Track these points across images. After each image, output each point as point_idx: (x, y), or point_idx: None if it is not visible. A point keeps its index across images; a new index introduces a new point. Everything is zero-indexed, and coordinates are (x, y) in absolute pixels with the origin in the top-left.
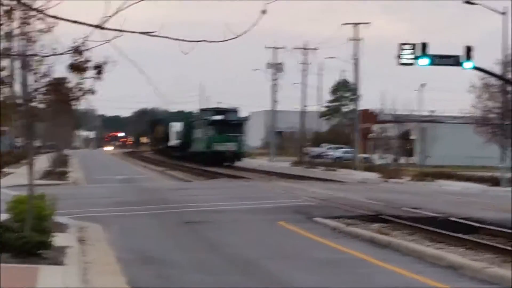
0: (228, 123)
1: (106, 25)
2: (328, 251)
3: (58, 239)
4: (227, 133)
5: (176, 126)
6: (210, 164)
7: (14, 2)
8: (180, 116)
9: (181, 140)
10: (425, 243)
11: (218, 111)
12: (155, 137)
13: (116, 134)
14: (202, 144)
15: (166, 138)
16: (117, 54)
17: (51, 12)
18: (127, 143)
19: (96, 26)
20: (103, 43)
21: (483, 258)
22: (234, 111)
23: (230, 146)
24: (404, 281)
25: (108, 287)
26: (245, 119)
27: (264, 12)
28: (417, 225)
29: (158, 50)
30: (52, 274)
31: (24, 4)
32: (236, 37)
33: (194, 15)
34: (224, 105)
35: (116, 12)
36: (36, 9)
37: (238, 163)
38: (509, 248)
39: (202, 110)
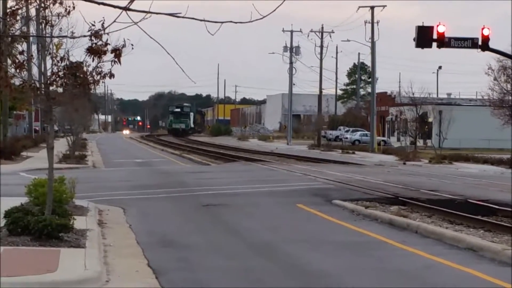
0: (182, 113)
1: (132, 7)
2: (347, 234)
3: (78, 222)
4: (180, 118)
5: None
6: (172, 136)
7: None
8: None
9: (166, 122)
10: (444, 225)
11: (177, 106)
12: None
13: (134, 117)
14: (168, 124)
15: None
16: (136, 38)
17: None
18: (146, 126)
19: (123, 8)
20: (130, 25)
21: (502, 239)
22: (187, 106)
23: (181, 125)
24: (424, 263)
25: (129, 268)
26: (192, 110)
27: None
28: (435, 207)
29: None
30: (74, 257)
31: None
32: (262, 18)
33: None
34: (240, 88)
35: None
36: None
37: (252, 147)
38: None
39: (170, 105)
